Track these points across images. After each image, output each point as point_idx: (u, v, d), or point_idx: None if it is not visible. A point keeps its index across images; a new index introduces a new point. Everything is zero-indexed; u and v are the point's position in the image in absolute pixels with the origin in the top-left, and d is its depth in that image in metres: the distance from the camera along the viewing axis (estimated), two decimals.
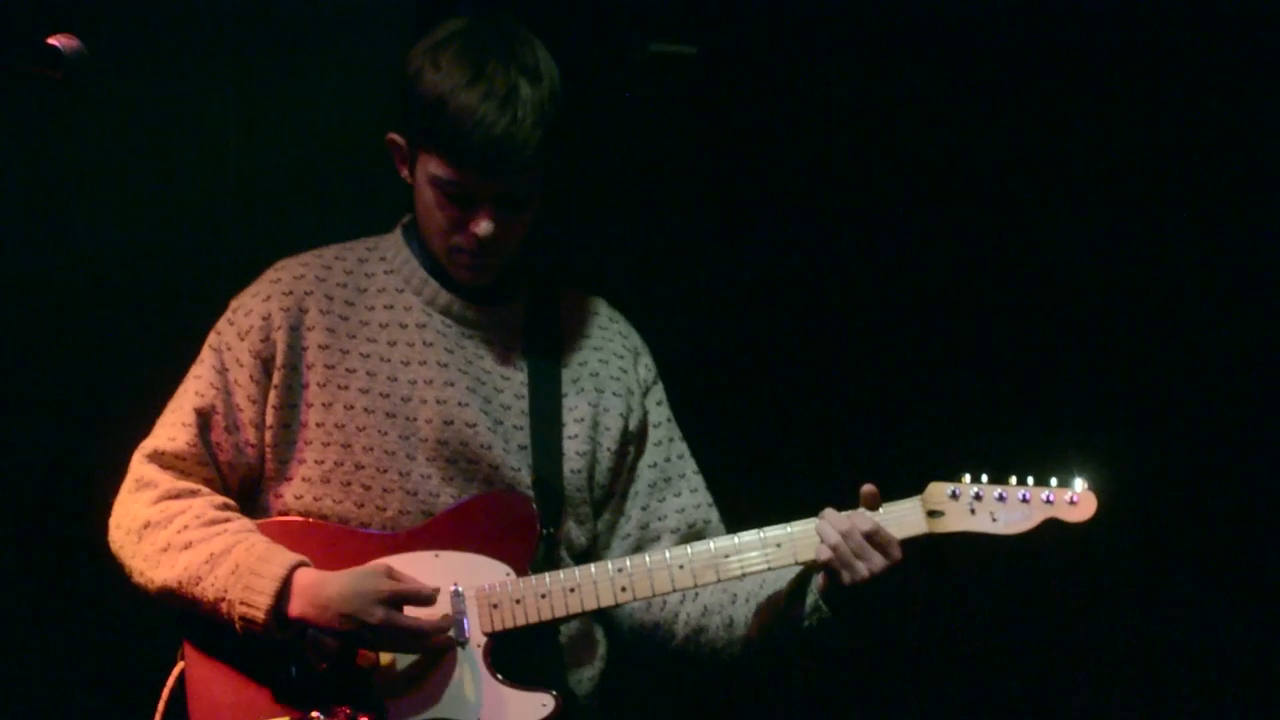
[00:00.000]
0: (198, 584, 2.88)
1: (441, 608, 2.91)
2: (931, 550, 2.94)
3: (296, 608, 2.86)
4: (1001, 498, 2.90)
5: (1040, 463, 2.92)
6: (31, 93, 2.55)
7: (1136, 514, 3.89)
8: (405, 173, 3.02)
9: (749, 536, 2.93)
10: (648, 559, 2.95)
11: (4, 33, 2.51)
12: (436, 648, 2.90)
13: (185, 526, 2.93)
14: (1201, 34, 4.00)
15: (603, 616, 3.13)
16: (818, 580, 2.91)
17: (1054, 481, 2.91)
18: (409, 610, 2.87)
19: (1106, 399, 4.05)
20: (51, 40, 2.59)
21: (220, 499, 2.99)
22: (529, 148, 2.87)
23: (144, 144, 3.75)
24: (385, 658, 2.91)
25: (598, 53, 4.06)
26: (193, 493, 2.98)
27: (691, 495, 3.13)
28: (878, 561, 2.84)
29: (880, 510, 2.89)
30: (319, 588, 2.86)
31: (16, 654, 3.77)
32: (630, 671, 3.18)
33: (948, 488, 2.91)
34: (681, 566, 2.93)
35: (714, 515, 3.13)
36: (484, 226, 2.92)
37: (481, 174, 2.89)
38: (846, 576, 2.85)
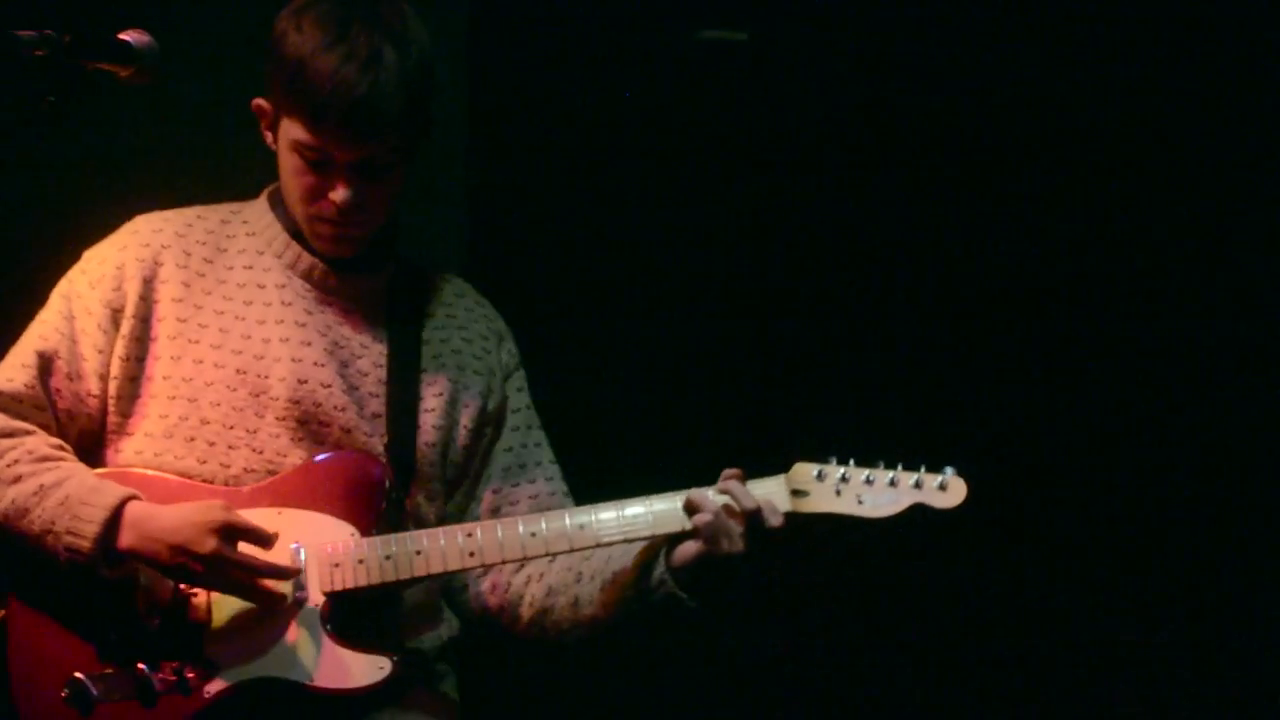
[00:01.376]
0: (24, 516, 2.79)
1: (280, 557, 2.81)
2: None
3: (126, 539, 2.76)
4: (869, 480, 2.85)
5: (918, 450, 2.87)
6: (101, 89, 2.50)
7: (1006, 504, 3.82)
8: (269, 138, 2.95)
9: (606, 510, 2.85)
10: (499, 526, 2.86)
11: (76, 29, 2.47)
12: (270, 597, 2.79)
13: (16, 461, 2.83)
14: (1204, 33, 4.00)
15: (448, 597, 3.06)
16: (678, 553, 2.82)
17: (923, 468, 2.85)
18: (243, 549, 2.77)
19: (986, 388, 4.01)
20: (123, 36, 2.56)
21: (55, 440, 2.90)
22: (390, 114, 2.81)
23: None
24: (218, 613, 2.81)
25: (647, 40, 4.06)
26: (27, 432, 2.88)
27: (546, 484, 3.06)
28: (751, 535, 2.76)
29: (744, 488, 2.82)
30: (150, 520, 2.76)
31: None
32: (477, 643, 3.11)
33: (814, 468, 2.86)
34: (534, 534, 2.85)
35: (568, 504, 3.05)
36: (341, 194, 2.86)
37: (339, 139, 2.82)
38: (725, 545, 2.77)
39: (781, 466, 2.87)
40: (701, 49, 4.11)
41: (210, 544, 2.74)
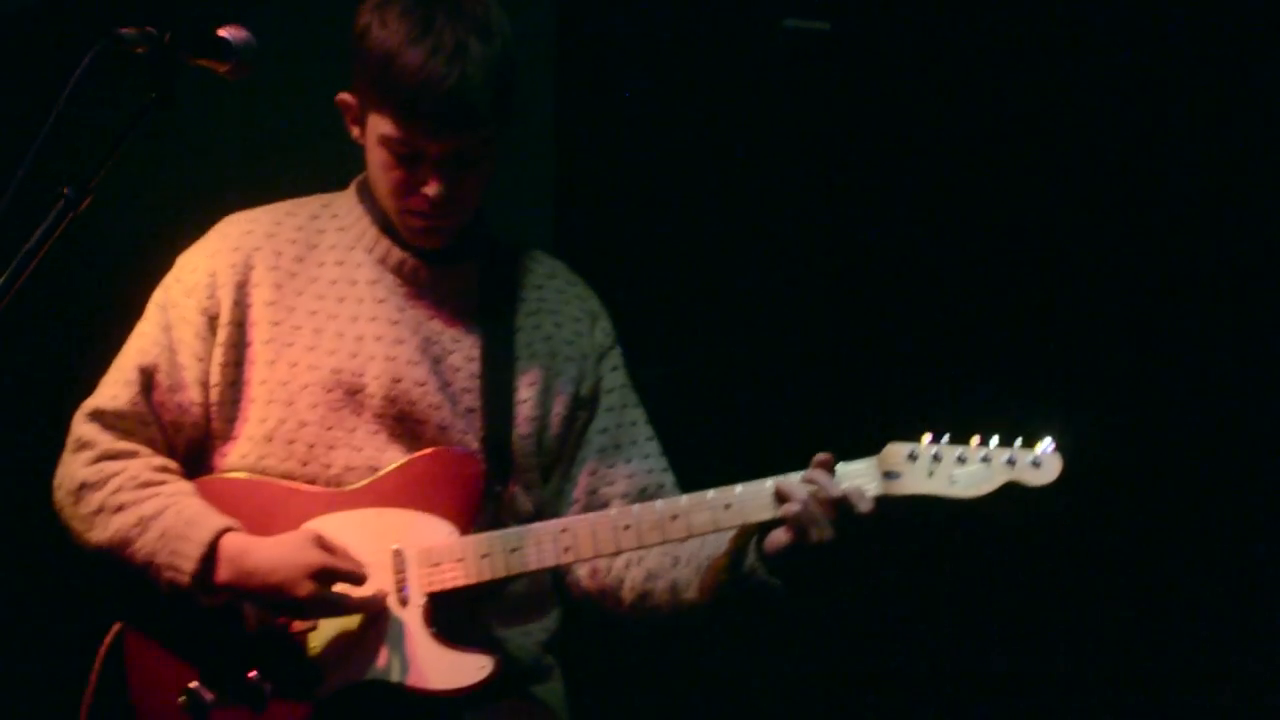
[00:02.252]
0: (128, 546, 2.85)
1: (381, 571, 2.84)
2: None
3: (223, 574, 2.81)
4: (961, 459, 2.77)
5: (1012, 424, 2.80)
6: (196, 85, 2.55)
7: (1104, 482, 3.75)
8: (356, 133, 2.95)
9: (696, 498, 2.83)
10: (592, 519, 2.86)
11: (174, 25, 2.50)
12: (370, 607, 2.83)
13: (119, 488, 2.88)
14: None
15: (556, 580, 3.06)
16: (771, 540, 2.81)
17: (1018, 442, 2.77)
18: (338, 585, 2.81)
19: (1081, 361, 3.96)
20: (222, 32, 2.58)
21: (159, 460, 2.94)
22: (478, 105, 2.80)
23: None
24: (322, 620, 2.85)
25: (732, 30, 4.06)
26: (131, 454, 2.92)
27: (643, 461, 3.04)
28: (843, 523, 2.74)
29: (835, 473, 2.79)
30: (244, 556, 2.80)
31: None
32: (586, 634, 3.13)
33: (905, 448, 2.79)
34: (627, 527, 2.83)
35: (668, 480, 3.04)
36: (433, 188, 2.85)
37: (429, 133, 2.82)
38: (816, 534, 2.74)
39: (878, 443, 2.82)
40: (785, 38, 4.10)
41: (306, 588, 2.78)
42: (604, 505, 2.99)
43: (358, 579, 2.81)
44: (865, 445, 2.83)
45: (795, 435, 2.92)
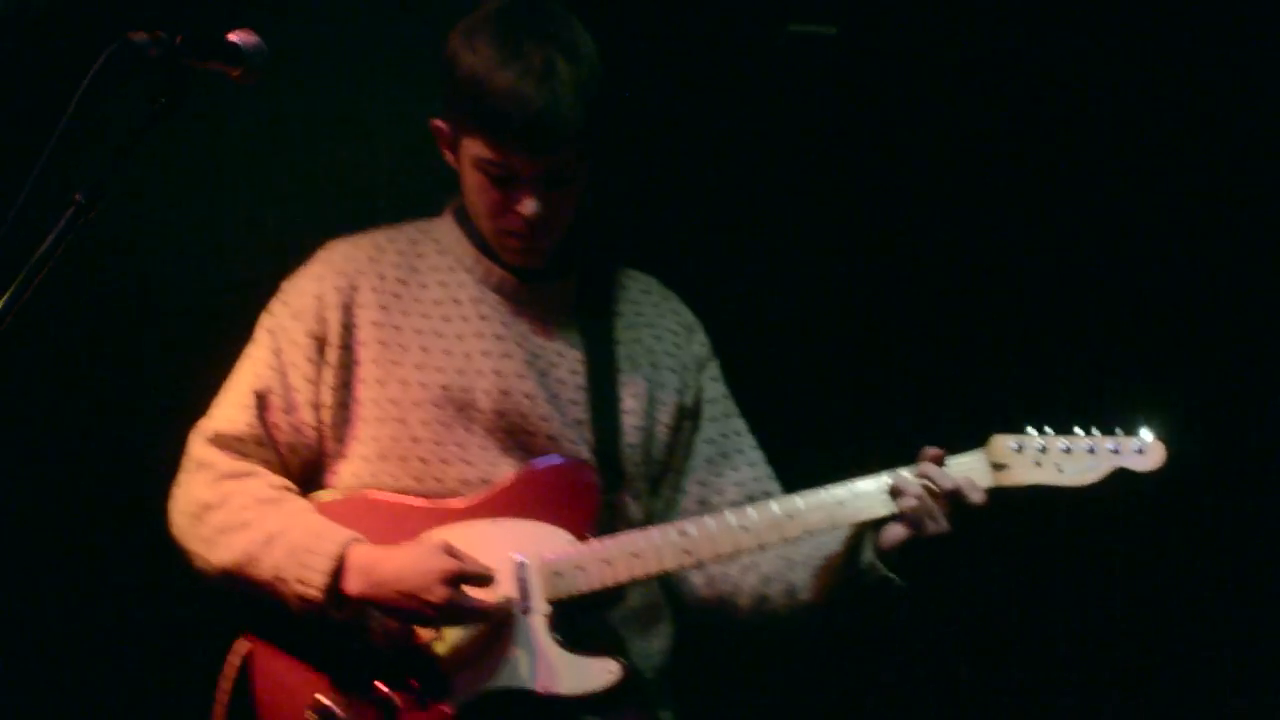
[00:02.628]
0: (255, 564, 2.87)
1: (503, 581, 2.87)
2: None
3: (353, 585, 2.83)
4: (1067, 449, 2.86)
5: (1097, 416, 2.88)
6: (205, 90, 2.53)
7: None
8: (450, 157, 3.00)
9: (811, 497, 2.89)
10: (711, 522, 2.90)
11: (184, 30, 2.48)
12: (497, 616, 2.87)
13: (242, 507, 2.92)
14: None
15: (669, 593, 3.09)
16: (885, 535, 2.86)
17: (1119, 431, 2.86)
18: (467, 589, 2.84)
19: (1167, 350, 3.97)
20: (232, 36, 2.56)
21: (277, 479, 2.98)
22: (570, 124, 2.85)
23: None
24: (449, 631, 2.88)
25: (736, 34, 4.08)
26: (249, 473, 2.96)
27: (750, 469, 3.09)
28: (957, 515, 2.81)
29: (946, 466, 2.85)
30: (376, 566, 2.83)
31: (80, 637, 3.77)
32: (700, 645, 3.15)
33: (1010, 440, 2.87)
34: (745, 528, 2.89)
35: (775, 487, 3.08)
36: (529, 206, 2.90)
37: (523, 152, 2.86)
38: (932, 526, 2.81)
39: (978, 438, 2.88)
40: (790, 42, 4.09)
41: (440, 593, 2.80)
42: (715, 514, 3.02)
43: (488, 581, 2.84)
44: (965, 436, 2.88)
45: (896, 429, 3.00)
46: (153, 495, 3.04)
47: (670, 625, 3.09)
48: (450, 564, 2.81)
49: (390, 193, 3.81)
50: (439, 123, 2.99)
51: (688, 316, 3.16)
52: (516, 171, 2.89)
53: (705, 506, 3.04)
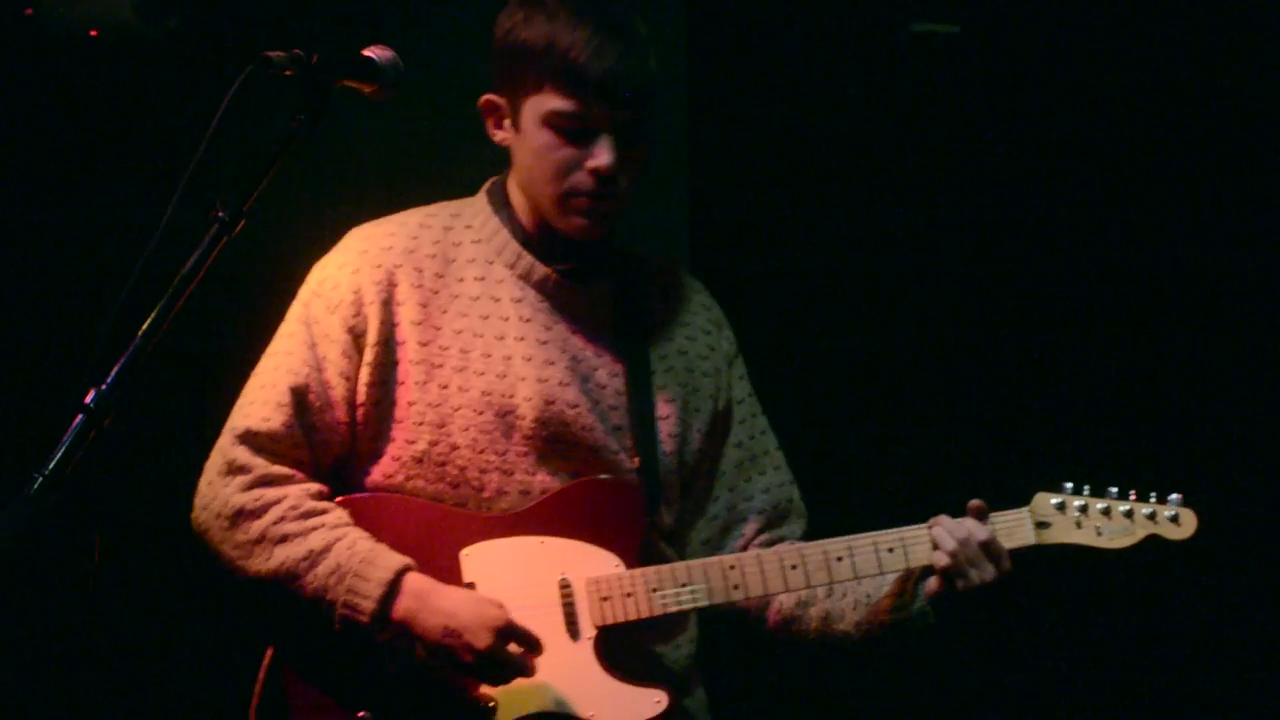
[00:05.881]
0: (294, 580, 2.80)
1: (546, 606, 2.84)
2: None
3: (400, 612, 2.78)
4: (1105, 510, 2.93)
5: (1130, 475, 2.94)
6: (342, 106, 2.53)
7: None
8: (499, 135, 2.93)
9: (862, 540, 2.91)
10: (760, 557, 2.91)
11: (321, 46, 2.49)
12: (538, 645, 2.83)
13: (281, 518, 2.82)
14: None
15: None
16: (927, 584, 2.91)
17: (1153, 496, 2.93)
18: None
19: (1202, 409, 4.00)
20: (367, 52, 2.59)
21: (315, 487, 2.87)
22: (647, 71, 2.84)
23: None
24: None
25: (860, 33, 4.02)
26: (287, 479, 2.86)
27: (775, 473, 3.08)
28: (989, 571, 2.85)
29: (989, 522, 2.89)
30: (434, 595, 2.78)
31: (108, 639, 3.76)
32: (724, 642, 3.14)
33: (1053, 499, 2.93)
34: (794, 567, 2.90)
35: (795, 493, 3.09)
36: (605, 156, 2.83)
37: (603, 101, 2.81)
38: (960, 584, 2.85)
39: (1018, 489, 2.93)
40: (915, 41, 4.06)
41: (485, 640, 2.76)
42: (743, 520, 3.04)
43: (537, 649, 2.80)
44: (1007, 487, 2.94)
45: (928, 476, 2.93)
46: None
47: (694, 624, 3.07)
48: (504, 617, 2.77)
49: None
50: (491, 96, 2.92)
51: (717, 312, 3.12)
52: (594, 122, 2.83)
53: (733, 512, 3.03)
